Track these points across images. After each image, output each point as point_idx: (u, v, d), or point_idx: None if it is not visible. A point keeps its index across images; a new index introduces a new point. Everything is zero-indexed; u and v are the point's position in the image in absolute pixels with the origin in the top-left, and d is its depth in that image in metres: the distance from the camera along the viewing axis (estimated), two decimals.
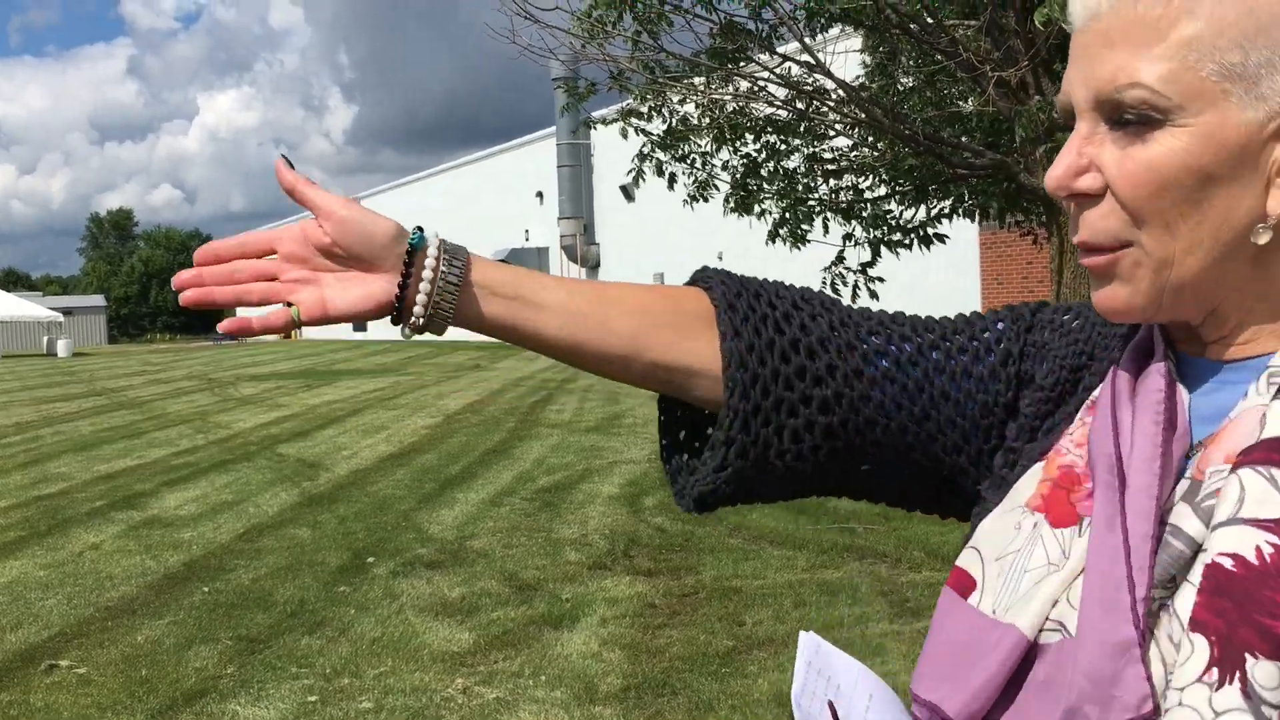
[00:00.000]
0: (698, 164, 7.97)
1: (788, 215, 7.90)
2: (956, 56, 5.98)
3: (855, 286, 8.12)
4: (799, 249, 8.07)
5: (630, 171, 8.11)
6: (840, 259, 8.32)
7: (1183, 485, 0.72)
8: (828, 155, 8.12)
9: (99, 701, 4.64)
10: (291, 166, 0.93)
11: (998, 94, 5.85)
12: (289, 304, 0.93)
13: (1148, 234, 0.73)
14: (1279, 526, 0.65)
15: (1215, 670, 0.63)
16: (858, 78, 7.69)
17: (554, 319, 0.94)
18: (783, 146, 7.93)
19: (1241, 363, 0.76)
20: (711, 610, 5.59)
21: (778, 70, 6.92)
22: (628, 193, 34.26)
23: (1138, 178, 0.72)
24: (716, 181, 8.08)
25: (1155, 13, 0.71)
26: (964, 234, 20.42)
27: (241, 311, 1.00)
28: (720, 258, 32.99)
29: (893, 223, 8.26)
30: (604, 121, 7.90)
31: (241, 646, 5.27)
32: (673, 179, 8.00)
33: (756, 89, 7.17)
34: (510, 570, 6.53)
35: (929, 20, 6.08)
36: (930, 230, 8.31)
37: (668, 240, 35.13)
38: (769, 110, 7.43)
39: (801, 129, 7.64)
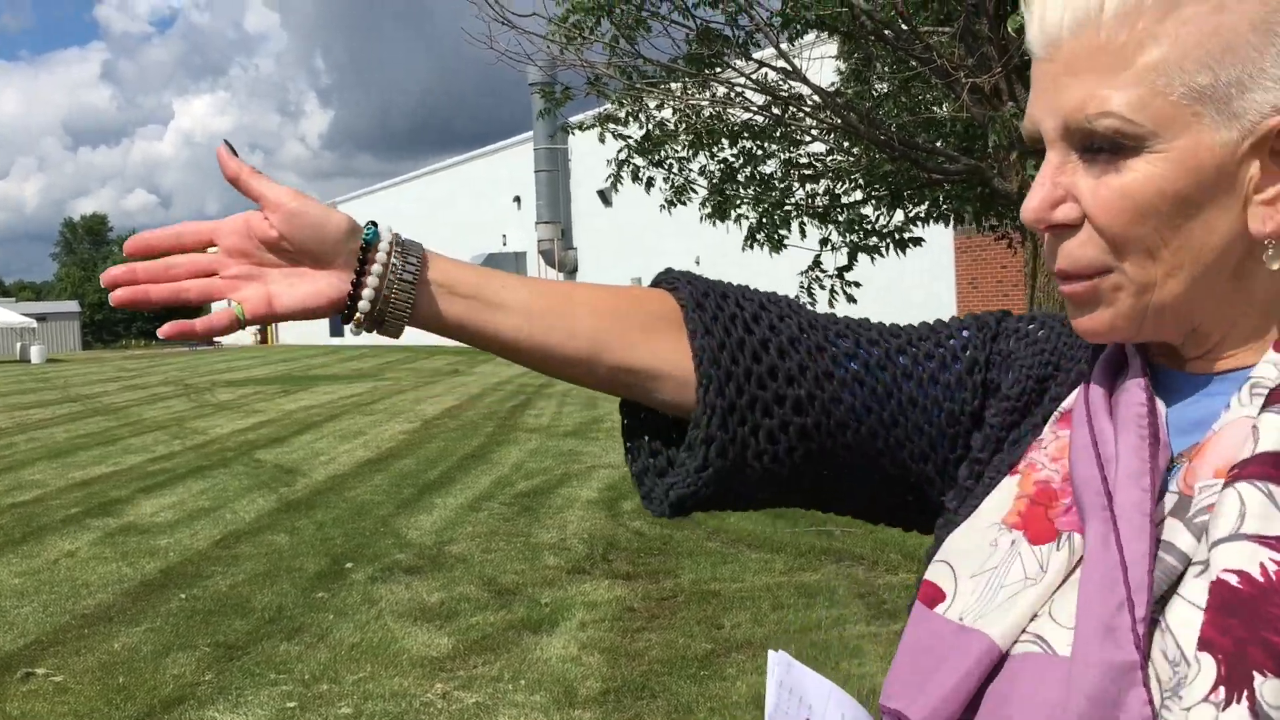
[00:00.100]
0: (675, 169, 8.01)
1: (764, 220, 7.94)
2: (931, 63, 6.03)
3: (832, 291, 8.18)
4: (776, 254, 8.11)
5: (608, 177, 8.14)
6: (817, 263, 8.37)
7: (1170, 500, 0.71)
8: (804, 160, 8.17)
9: (76, 709, 4.62)
10: (235, 153, 0.87)
11: (971, 100, 5.91)
12: (232, 302, 0.87)
13: (1129, 261, 0.72)
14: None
15: (1222, 689, 0.61)
16: (833, 84, 7.74)
17: (514, 319, 0.91)
18: (759, 152, 7.98)
19: (1219, 375, 0.76)
20: (690, 613, 5.62)
21: (754, 76, 6.97)
22: (605, 197, 34.30)
23: (1114, 206, 0.71)
24: (693, 186, 8.12)
25: (1119, 39, 0.70)
26: (939, 238, 20.55)
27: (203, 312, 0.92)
28: (698, 262, 33.05)
29: (869, 227, 8.32)
30: (581, 126, 7.93)
31: (219, 653, 5.25)
32: (650, 184, 8.04)
33: (733, 95, 7.22)
34: (489, 575, 6.54)
35: (904, 27, 6.13)
36: (906, 235, 8.37)
37: (645, 245, 35.18)
38: (745, 116, 7.47)
39: (778, 134, 7.68)
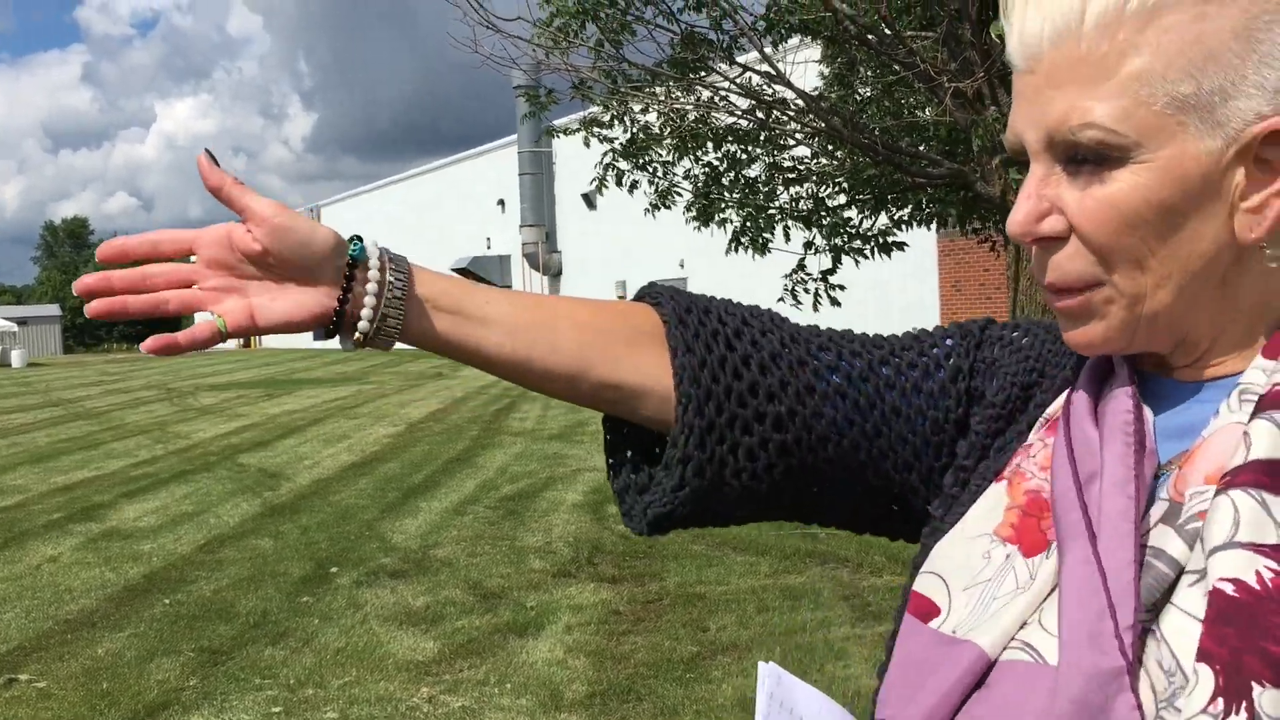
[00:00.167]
0: (659, 173, 8.02)
1: (748, 224, 7.96)
2: (914, 67, 6.06)
3: (816, 294, 8.20)
4: (760, 257, 8.13)
5: (593, 180, 8.15)
6: (801, 266, 8.40)
7: (1160, 507, 0.70)
8: (788, 164, 8.19)
9: (60, 715, 4.60)
10: (216, 162, 0.84)
11: (954, 104, 5.95)
12: (213, 314, 0.85)
13: (1118, 272, 0.72)
14: (1276, 553, 0.63)
15: (1221, 700, 0.60)
16: (816, 88, 7.77)
17: (497, 334, 0.90)
18: (743, 156, 8.00)
19: (1209, 382, 0.75)
20: (676, 616, 5.63)
21: (738, 80, 6.99)
22: (590, 201, 34.30)
23: (1101, 217, 0.71)
24: (678, 190, 8.13)
25: (1100, 49, 0.69)
26: (922, 242, 20.63)
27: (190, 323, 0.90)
28: (682, 265, 33.08)
29: (852, 230, 8.36)
30: (566, 130, 7.94)
31: (204, 658, 5.23)
32: (634, 187, 8.05)
33: (718, 99, 7.24)
34: (474, 579, 6.54)
35: (887, 32, 6.16)
36: (889, 238, 8.40)
37: (630, 248, 35.19)
38: (730, 120, 7.49)
39: (762, 138, 7.71)
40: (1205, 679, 0.61)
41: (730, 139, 7.77)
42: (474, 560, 7.00)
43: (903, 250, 8.53)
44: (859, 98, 7.88)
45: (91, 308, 0.84)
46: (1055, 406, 0.84)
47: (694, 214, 8.15)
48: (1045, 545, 0.75)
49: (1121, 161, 0.70)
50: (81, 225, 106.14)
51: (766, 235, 7.95)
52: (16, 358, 42.32)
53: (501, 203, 42.00)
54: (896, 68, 6.52)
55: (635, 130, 7.74)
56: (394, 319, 0.87)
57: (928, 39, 6.19)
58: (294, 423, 15.77)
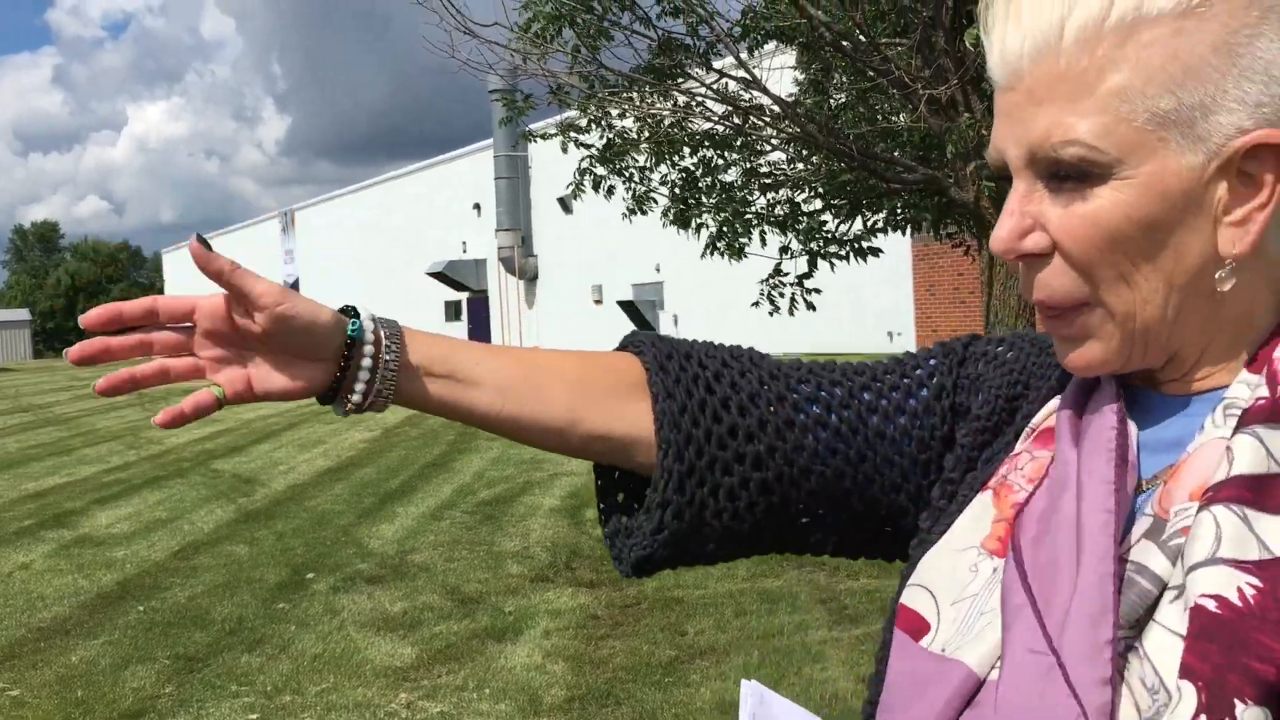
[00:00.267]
0: (636, 178, 8.05)
1: (724, 229, 8.00)
2: (888, 74, 6.12)
3: (792, 298, 8.25)
4: (736, 261, 8.17)
5: (570, 185, 8.16)
6: (778, 271, 8.44)
7: (1145, 522, 0.70)
8: (764, 169, 8.24)
9: None
10: (209, 247, 0.82)
11: (929, 111, 6.00)
12: (212, 383, 0.86)
13: (1105, 289, 0.72)
14: (1258, 569, 0.62)
15: (1204, 718, 0.60)
16: (791, 94, 7.82)
17: (488, 395, 0.92)
18: (720, 161, 8.04)
19: (1197, 396, 0.75)
20: (654, 620, 5.64)
21: (714, 86, 7.03)
22: (566, 205, 34.25)
23: (1082, 234, 0.70)
24: (655, 195, 8.16)
25: (1080, 65, 0.69)
26: (897, 246, 20.74)
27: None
28: (658, 270, 33.12)
29: (828, 235, 8.41)
30: (543, 136, 7.94)
31: (179, 665, 5.20)
32: (610, 191, 8.07)
33: (694, 104, 7.27)
34: (452, 584, 6.53)
35: (861, 38, 6.21)
36: (865, 243, 8.47)
37: (606, 252, 35.19)
38: (706, 125, 7.53)
39: (738, 143, 7.75)
40: (1188, 696, 0.61)
41: (707, 144, 7.80)
42: (451, 565, 6.98)
43: (878, 255, 8.60)
44: (834, 104, 7.94)
45: (102, 385, 0.84)
46: (1042, 415, 0.84)
47: (671, 219, 8.18)
48: None
49: (1103, 178, 0.69)
50: (52, 229, 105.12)
51: (743, 240, 8.00)
52: None
53: (477, 207, 41.91)
54: (871, 74, 6.58)
55: (612, 135, 7.76)
56: (387, 389, 0.89)
57: (902, 46, 6.25)
58: (268, 428, 15.68)
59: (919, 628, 0.79)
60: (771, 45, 7.22)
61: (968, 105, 6.02)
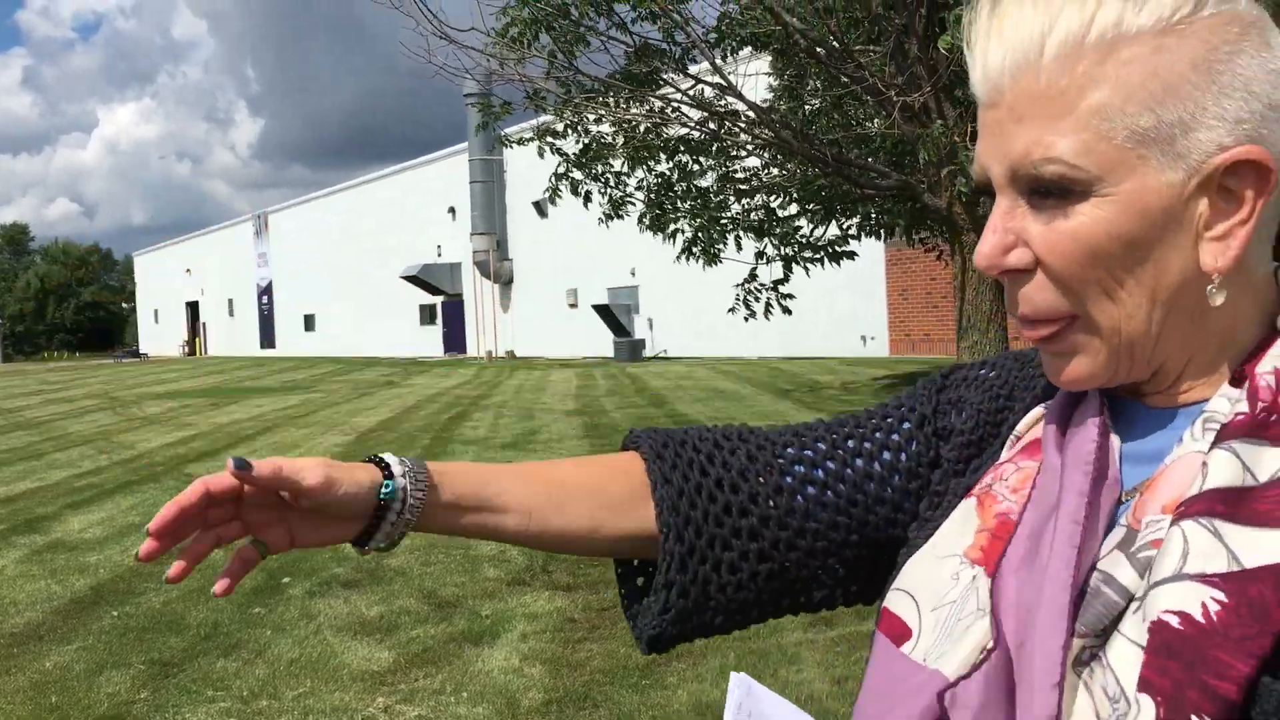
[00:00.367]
0: (612, 183, 8.09)
1: (700, 234, 8.05)
2: (862, 81, 6.18)
3: (768, 303, 8.30)
4: (711, 266, 8.22)
5: (546, 190, 8.19)
6: (753, 276, 8.50)
7: (1118, 533, 0.71)
8: (739, 175, 8.30)
9: None
10: (249, 468, 0.86)
11: (902, 117, 6.06)
12: (255, 540, 0.91)
13: (1089, 305, 0.73)
14: (1224, 582, 0.63)
15: None
16: (766, 100, 7.88)
17: (515, 519, 0.98)
18: (695, 166, 8.09)
19: (1182, 409, 0.76)
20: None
21: (690, 91, 7.07)
22: (541, 209, 34.26)
23: (1064, 250, 0.71)
24: (631, 200, 8.20)
25: (1060, 83, 0.70)
26: (870, 251, 20.86)
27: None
28: (633, 274, 33.16)
29: (803, 240, 8.48)
30: (520, 141, 7.96)
31: (155, 670, 5.18)
32: (588, 197, 8.10)
33: (670, 110, 7.32)
34: (429, 588, 6.53)
35: (836, 45, 6.27)
36: (840, 248, 8.54)
37: (581, 256, 35.19)
38: (682, 130, 7.58)
39: (714, 149, 7.80)
40: (1147, 709, 0.62)
41: (683, 149, 7.85)
42: (428, 569, 6.98)
43: (853, 259, 8.68)
44: (809, 110, 8.00)
45: (171, 575, 0.88)
46: (1027, 422, 0.86)
47: (647, 224, 8.23)
48: None
49: (1084, 195, 0.70)
50: (22, 231, 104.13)
51: (719, 245, 8.05)
52: None
53: (452, 210, 41.83)
54: (845, 81, 6.64)
55: (588, 140, 7.80)
56: (407, 531, 0.94)
57: (876, 53, 6.32)
58: (242, 432, 15.60)
59: (901, 633, 0.80)
60: (747, 51, 7.27)
61: (940, 112, 6.08)
